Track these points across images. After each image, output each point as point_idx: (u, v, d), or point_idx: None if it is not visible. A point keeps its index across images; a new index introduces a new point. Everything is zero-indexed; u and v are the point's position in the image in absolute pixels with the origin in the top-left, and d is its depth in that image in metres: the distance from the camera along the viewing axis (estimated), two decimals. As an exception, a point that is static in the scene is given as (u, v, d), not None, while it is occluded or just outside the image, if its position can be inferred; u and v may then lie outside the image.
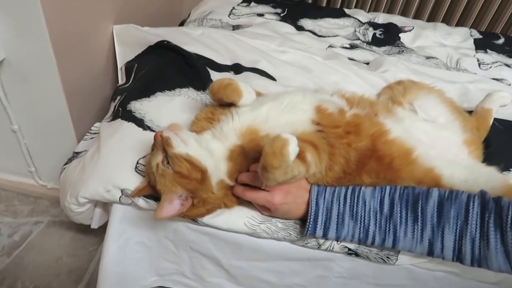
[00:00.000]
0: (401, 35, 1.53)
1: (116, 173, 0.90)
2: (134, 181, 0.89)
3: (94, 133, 1.13)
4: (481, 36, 1.62)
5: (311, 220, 0.81)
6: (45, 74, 1.13)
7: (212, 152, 0.83)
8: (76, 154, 1.08)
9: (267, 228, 0.87)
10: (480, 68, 1.40)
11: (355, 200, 0.81)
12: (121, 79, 1.30)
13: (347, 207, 0.81)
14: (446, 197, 0.76)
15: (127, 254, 0.98)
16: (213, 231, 0.91)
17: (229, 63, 1.24)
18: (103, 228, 1.04)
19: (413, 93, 1.02)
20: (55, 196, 1.43)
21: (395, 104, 1.00)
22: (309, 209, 0.82)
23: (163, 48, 1.24)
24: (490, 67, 1.40)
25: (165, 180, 0.78)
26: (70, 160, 1.06)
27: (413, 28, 1.58)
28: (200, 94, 1.10)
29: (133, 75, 1.22)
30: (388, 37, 1.50)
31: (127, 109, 1.04)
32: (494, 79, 1.34)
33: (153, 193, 0.86)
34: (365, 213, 0.80)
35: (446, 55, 1.43)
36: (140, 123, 1.00)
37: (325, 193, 0.82)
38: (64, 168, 1.05)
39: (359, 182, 0.84)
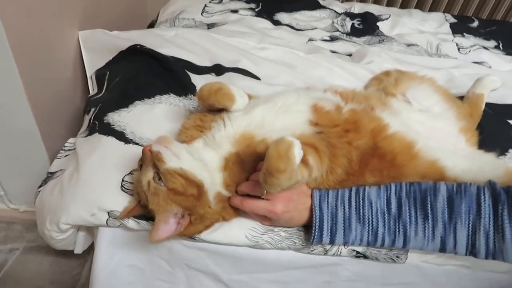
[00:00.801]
0: (379, 23, 1.51)
1: (101, 194, 0.82)
2: (121, 201, 0.82)
3: (69, 150, 1.04)
4: (456, 20, 1.62)
5: (317, 227, 0.77)
6: (9, 89, 1.03)
7: (207, 163, 0.77)
8: (51, 175, 0.98)
9: (270, 239, 0.82)
10: (460, 52, 1.40)
11: (361, 202, 0.77)
12: (92, 89, 1.21)
13: (352, 210, 0.77)
14: (455, 191, 0.73)
15: (118, 279, 0.91)
16: (211, 247, 0.85)
17: (208, 64, 1.17)
18: (85, 249, 0.96)
19: (405, 83, 0.99)
20: (30, 219, 1.33)
21: (388, 96, 0.97)
22: (314, 215, 0.77)
23: (136, 53, 1.16)
24: (469, 51, 1.40)
25: (158, 199, 0.72)
26: (45, 181, 0.97)
27: (389, 16, 1.55)
28: (183, 100, 1.03)
29: (105, 84, 1.13)
30: (366, 26, 1.47)
31: (105, 121, 0.96)
32: (474, 62, 1.34)
33: (144, 213, 0.79)
34: (372, 215, 0.76)
35: (425, 41, 1.42)
36: (120, 136, 0.93)
37: (328, 197, 0.78)
38: (39, 191, 0.96)
39: (363, 183, 0.80)
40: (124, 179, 0.85)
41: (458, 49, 1.41)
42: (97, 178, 0.85)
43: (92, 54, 1.26)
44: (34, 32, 1.06)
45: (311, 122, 0.81)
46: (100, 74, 1.18)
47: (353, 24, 1.48)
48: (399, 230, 0.75)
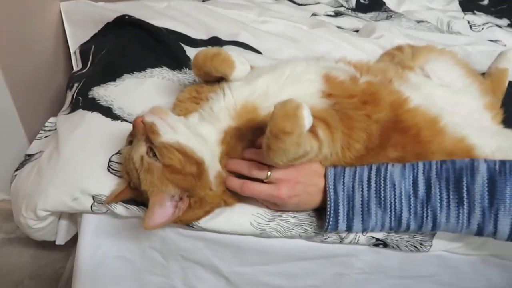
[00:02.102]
0: (384, 0, 1.41)
1: (84, 176, 0.72)
2: (108, 184, 0.72)
3: (50, 130, 0.93)
4: (465, -3, 1.53)
5: (331, 212, 0.68)
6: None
7: (205, 139, 0.67)
8: (29, 157, 0.87)
9: (278, 226, 0.72)
10: (472, 30, 1.32)
11: (382, 183, 0.68)
12: (76, 65, 1.10)
13: (372, 192, 0.68)
14: (498, 171, 0.63)
15: (105, 273, 0.81)
16: (210, 236, 0.75)
17: (204, 37, 1.07)
18: (70, 240, 0.87)
19: (423, 56, 0.90)
20: (7, 209, 1.21)
21: (405, 70, 0.87)
22: (328, 199, 0.68)
23: (124, 25, 1.05)
24: (482, 29, 1.32)
25: (152, 178, 0.62)
26: (22, 164, 0.86)
27: (396, -8, 1.46)
28: (177, 74, 0.93)
29: (90, 58, 1.02)
30: (372, 2, 1.38)
31: (89, 96, 0.86)
32: (489, 40, 1.25)
33: (134, 197, 0.69)
34: (395, 198, 0.67)
35: (436, 18, 1.33)
36: (107, 112, 0.82)
37: (343, 177, 0.69)
38: (15, 175, 0.85)
39: (384, 159, 0.71)
40: (111, 159, 0.75)
41: (470, 26, 1.33)
42: (80, 157, 0.75)
43: (75, 28, 1.15)
44: (10, 3, 0.95)
45: (323, 93, 0.72)
46: (84, 49, 1.07)
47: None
48: (427, 216, 0.66)
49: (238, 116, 0.70)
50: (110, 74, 0.90)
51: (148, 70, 0.92)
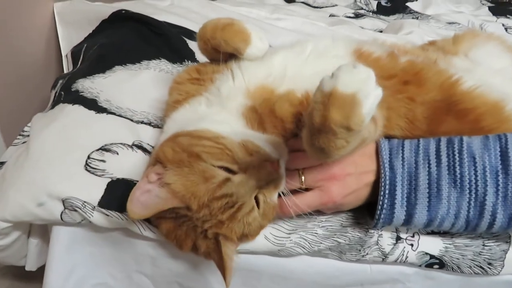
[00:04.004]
0: (408, 4, 1.30)
1: (52, 175, 0.57)
2: (83, 185, 0.56)
3: (28, 136, 0.79)
4: (493, 4, 1.41)
5: (386, 194, 0.51)
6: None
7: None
8: (1, 165, 0.73)
9: (302, 240, 0.56)
10: (508, 32, 1.19)
11: (457, 156, 0.52)
12: (68, 69, 0.98)
13: (443, 168, 0.51)
14: None
15: (81, 305, 0.64)
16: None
17: (210, 33, 0.94)
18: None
19: (467, 41, 0.76)
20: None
21: (448, 55, 0.73)
22: (381, 178, 0.52)
23: (122, 20, 0.94)
24: (519, 32, 1.18)
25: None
26: (-8, 173, 0.72)
27: (419, -3, 1.35)
28: (177, 67, 0.80)
29: (81, 57, 0.90)
30: (396, 4, 1.26)
31: (72, 89, 0.72)
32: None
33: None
34: (476, 175, 0.51)
35: (467, 21, 1.21)
36: (91, 104, 0.69)
37: (402, 150, 0.53)
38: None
39: None
40: (91, 156, 0.60)
41: (506, 29, 1.20)
42: (51, 155, 0.60)
43: (68, 29, 1.05)
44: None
45: None
46: (76, 50, 0.95)
47: (379, 2, 1.27)
48: None
49: (252, 96, 0.56)
50: (99, 66, 0.77)
51: (144, 62, 0.79)
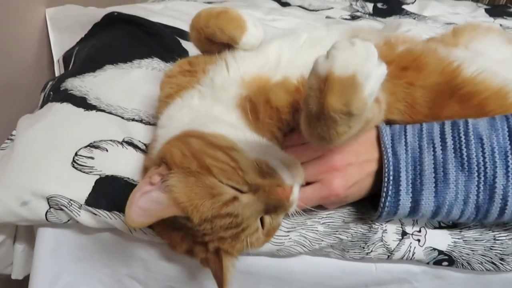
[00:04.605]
0: (404, 6, 1.29)
1: (37, 172, 0.54)
2: (69, 182, 0.53)
3: (16, 139, 0.76)
4: (489, 7, 1.41)
5: (390, 181, 0.48)
6: None
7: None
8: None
9: (302, 237, 0.53)
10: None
11: (463, 138, 0.49)
12: (59, 74, 0.96)
13: (449, 151, 0.49)
14: None
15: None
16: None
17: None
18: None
19: (467, 33, 0.74)
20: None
21: (449, 46, 0.71)
22: (384, 165, 0.49)
23: (114, 22, 0.92)
24: (518, 31, 1.17)
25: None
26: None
27: (415, 0, 1.34)
28: (170, 65, 0.77)
29: (72, 60, 0.88)
30: (391, 6, 1.25)
31: (61, 89, 0.70)
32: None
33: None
34: (484, 157, 0.48)
35: (464, 21, 1.19)
36: (80, 102, 0.66)
37: (405, 135, 0.51)
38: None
39: None
40: (79, 153, 0.57)
41: (504, 29, 1.18)
42: (37, 152, 0.57)
43: (61, 34, 1.02)
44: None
45: None
46: (68, 55, 0.93)
47: (375, 5, 1.26)
48: None
49: (247, 86, 0.53)
50: (90, 65, 0.75)
51: (136, 61, 0.77)
